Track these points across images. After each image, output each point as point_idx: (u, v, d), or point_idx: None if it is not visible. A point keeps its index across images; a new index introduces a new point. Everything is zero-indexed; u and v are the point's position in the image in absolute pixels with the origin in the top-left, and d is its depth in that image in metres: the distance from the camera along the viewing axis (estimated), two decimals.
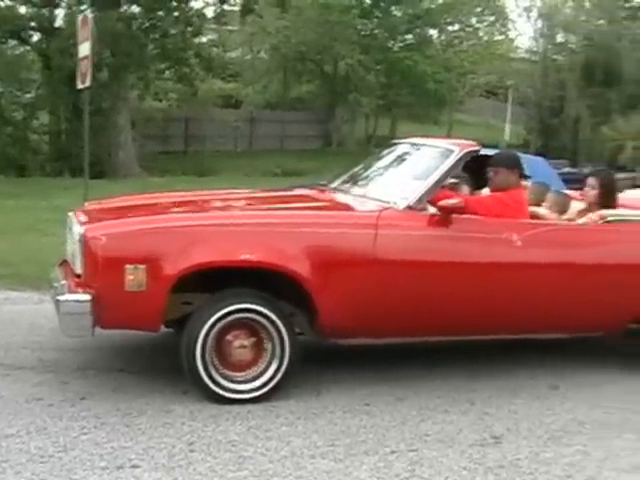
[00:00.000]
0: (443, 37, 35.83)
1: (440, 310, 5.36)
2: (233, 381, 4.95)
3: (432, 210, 5.37)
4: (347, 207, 5.81)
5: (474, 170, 6.20)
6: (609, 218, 5.95)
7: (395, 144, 6.81)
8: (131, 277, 4.70)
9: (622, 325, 5.96)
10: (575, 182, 12.98)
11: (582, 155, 34.04)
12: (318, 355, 5.88)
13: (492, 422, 4.88)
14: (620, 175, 24.11)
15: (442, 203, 5.27)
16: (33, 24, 24.29)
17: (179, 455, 4.18)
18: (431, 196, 5.40)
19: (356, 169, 6.66)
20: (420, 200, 5.36)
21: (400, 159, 6.43)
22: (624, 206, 6.41)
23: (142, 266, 4.72)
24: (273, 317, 4.93)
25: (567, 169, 20.67)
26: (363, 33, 31.07)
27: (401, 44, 32.79)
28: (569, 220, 6.26)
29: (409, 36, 33.33)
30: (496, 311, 5.52)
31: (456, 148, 5.65)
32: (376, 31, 31.68)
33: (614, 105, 35.60)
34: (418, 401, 5.16)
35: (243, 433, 4.50)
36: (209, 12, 26.99)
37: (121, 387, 5.14)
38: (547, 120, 36.77)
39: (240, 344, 4.95)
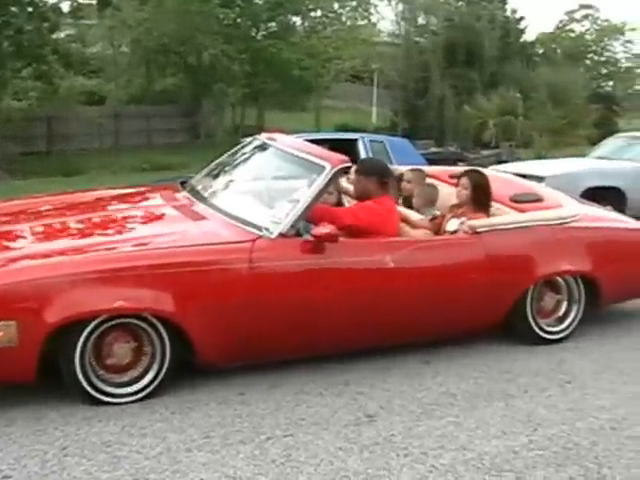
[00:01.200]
0: (306, 24, 35.96)
1: (315, 335, 5.43)
2: (112, 384, 4.88)
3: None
4: (214, 235, 5.34)
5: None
6: (479, 230, 5.99)
7: (259, 143, 6.52)
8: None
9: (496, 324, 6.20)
10: (440, 162, 13.36)
11: (448, 134, 34.82)
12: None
13: (366, 401, 4.97)
14: (485, 152, 24.89)
15: (316, 232, 5.18)
16: None
17: (52, 461, 4.10)
18: (303, 219, 5.35)
19: (217, 169, 6.56)
20: (293, 226, 5.26)
21: (267, 166, 6.26)
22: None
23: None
24: (160, 327, 4.88)
25: (433, 149, 21.15)
26: (225, 22, 30.88)
27: (264, 32, 32.76)
28: (441, 215, 6.51)
29: (272, 24, 33.32)
30: (374, 328, 5.60)
31: (327, 165, 5.46)
32: (238, 20, 31.54)
33: (476, 84, 36.49)
34: (292, 386, 5.20)
35: (117, 433, 4.44)
36: (65, 7, 26.36)
37: None
38: (412, 101, 37.44)
39: (120, 347, 4.87)
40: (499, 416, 4.77)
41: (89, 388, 4.77)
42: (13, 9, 22.96)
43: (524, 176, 12.13)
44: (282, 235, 5.20)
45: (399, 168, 7.56)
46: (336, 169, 5.45)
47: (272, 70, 30.61)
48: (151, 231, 5.56)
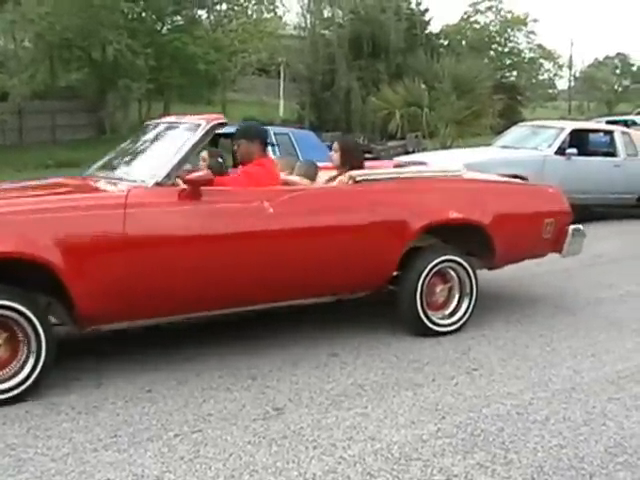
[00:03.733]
0: (212, 17, 35.75)
1: (198, 285, 5.32)
2: None
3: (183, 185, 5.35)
4: (96, 189, 5.61)
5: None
6: (358, 178, 6.04)
7: (149, 125, 6.72)
8: None
9: (382, 283, 6.20)
10: None
11: (355, 126, 35.03)
12: (97, 346, 5.81)
13: (274, 395, 4.97)
14: (392, 143, 25.11)
15: (189, 177, 5.24)
16: None
17: None
18: (180, 171, 5.41)
19: (112, 154, 6.53)
20: (169, 176, 5.32)
21: (153, 139, 6.33)
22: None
23: None
24: (28, 314, 4.76)
25: None
26: (130, 17, 30.50)
27: (169, 26, 32.46)
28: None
29: (177, 18, 33.04)
30: (255, 280, 5.53)
31: (203, 122, 5.64)
32: (143, 14, 31.18)
33: (382, 75, 36.76)
34: (200, 382, 5.18)
35: (22, 435, 4.36)
36: None
37: None
38: (319, 94, 37.56)
39: None
40: (407, 405, 4.82)
41: None
42: None
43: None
44: (158, 184, 5.28)
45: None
46: (211, 124, 5.60)
47: (177, 64, 30.39)
48: (47, 192, 5.77)
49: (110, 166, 6.16)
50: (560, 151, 13.12)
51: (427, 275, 6.11)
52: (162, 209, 5.22)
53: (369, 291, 6.34)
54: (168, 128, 6.23)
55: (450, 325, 6.31)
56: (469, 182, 6.74)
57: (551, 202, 7.10)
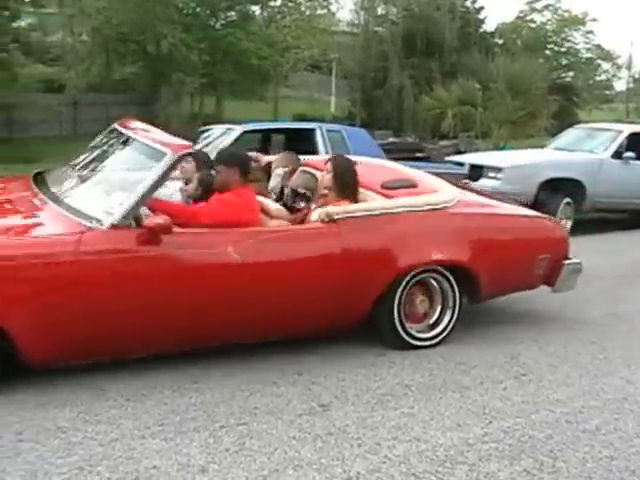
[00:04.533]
0: (265, 13, 35.77)
1: (158, 333, 5.13)
2: None
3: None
4: (41, 228, 5.15)
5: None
6: (336, 217, 5.62)
7: (115, 131, 6.15)
8: None
9: (359, 318, 5.83)
10: (398, 152, 13.38)
11: (406, 125, 34.87)
12: None
13: (320, 391, 4.98)
14: (443, 143, 24.96)
15: (147, 222, 4.90)
16: None
17: (7, 446, 4.07)
18: (139, 209, 5.01)
19: (74, 160, 6.17)
20: (126, 216, 4.93)
21: (116, 155, 5.92)
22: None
23: None
24: None
25: (391, 139, 21.16)
26: (185, 12, 30.63)
27: (223, 22, 32.53)
28: (307, 206, 6.25)
29: (231, 13, 33.08)
30: (220, 326, 5.30)
31: (168, 151, 5.19)
32: (198, 9, 31.29)
33: (435, 74, 36.55)
34: (246, 376, 5.20)
35: (72, 419, 4.43)
36: None
37: None
38: (371, 91, 37.41)
39: None
40: (454, 408, 4.79)
41: None
42: None
43: (482, 167, 12.30)
44: (114, 226, 4.89)
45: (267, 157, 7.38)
46: (177, 156, 5.19)
47: (230, 59, 30.41)
48: None
49: (61, 182, 5.74)
50: (617, 155, 12.88)
51: (404, 288, 5.81)
52: (118, 256, 4.88)
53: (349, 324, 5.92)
54: (132, 146, 5.73)
55: (430, 339, 5.97)
56: (457, 217, 6.11)
57: (547, 236, 6.67)
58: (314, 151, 10.53)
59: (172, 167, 5.20)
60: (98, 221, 4.92)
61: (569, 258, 6.64)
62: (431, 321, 6.03)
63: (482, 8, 45.07)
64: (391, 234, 5.76)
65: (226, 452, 4.07)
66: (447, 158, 14.70)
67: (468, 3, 44.17)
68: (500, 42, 49.60)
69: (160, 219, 4.92)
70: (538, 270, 6.46)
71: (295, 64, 35.48)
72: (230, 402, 4.74)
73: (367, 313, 5.76)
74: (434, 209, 5.99)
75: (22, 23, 25.74)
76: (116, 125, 6.18)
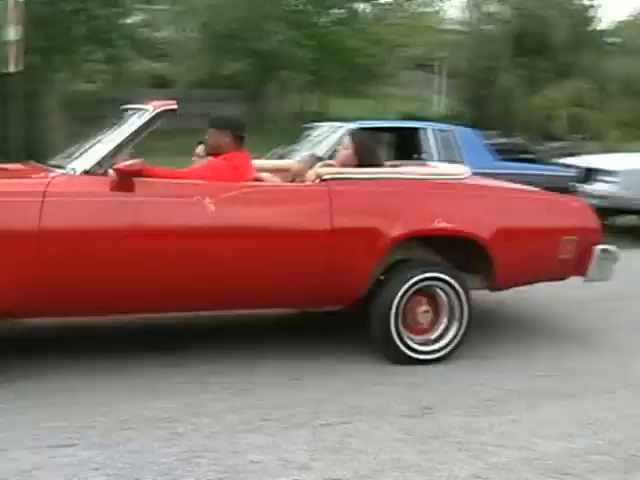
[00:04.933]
0: (373, 10, 35.65)
1: (121, 285, 4.87)
2: None
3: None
4: (24, 175, 5.36)
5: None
6: (325, 177, 5.31)
7: (123, 110, 5.93)
8: None
9: (350, 299, 5.46)
10: (505, 153, 13.16)
11: (515, 125, 34.35)
12: (250, 330, 5.91)
13: (422, 393, 4.92)
14: (553, 144, 24.47)
15: (117, 166, 4.76)
16: None
17: (114, 433, 4.14)
18: (116, 159, 4.87)
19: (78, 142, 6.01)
20: (100, 164, 4.87)
21: (112, 126, 5.65)
22: None
23: None
24: None
25: (498, 140, 20.85)
26: (293, 9, 30.81)
27: (331, 19, 32.57)
28: None
29: (339, 10, 33.10)
30: (190, 284, 4.97)
31: (150, 108, 5.17)
32: (308, 7, 31.43)
33: (546, 74, 35.91)
34: (348, 374, 5.18)
35: (178, 410, 4.48)
36: None
37: (52, 367, 5.09)
38: (478, 91, 36.97)
39: None
40: (561, 416, 4.66)
41: None
42: None
43: (594, 170, 11.98)
44: (87, 172, 4.86)
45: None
46: (157, 110, 5.13)
47: (336, 57, 30.42)
48: None
49: (68, 154, 5.62)
50: None
51: (404, 294, 5.33)
52: (86, 199, 4.78)
53: (339, 306, 5.61)
54: (129, 114, 5.54)
55: (432, 352, 5.50)
56: (470, 188, 5.79)
57: (573, 217, 6.12)
58: (424, 151, 10.39)
59: (151, 121, 5.10)
60: (73, 169, 4.95)
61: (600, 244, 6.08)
62: (433, 336, 5.53)
63: (596, 6, 44.00)
64: (389, 198, 5.37)
65: (328, 450, 4.05)
66: (556, 160, 14.39)
67: (583, 1, 43.20)
68: (616, 41, 48.34)
69: (131, 161, 4.80)
70: (563, 254, 5.90)
71: (402, 62, 35.31)
72: (332, 400, 4.72)
73: (358, 291, 5.33)
74: (444, 179, 5.73)
75: (131, 20, 26.22)
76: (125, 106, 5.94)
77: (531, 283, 6.18)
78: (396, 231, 5.25)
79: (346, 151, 5.78)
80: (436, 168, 6.12)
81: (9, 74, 12.18)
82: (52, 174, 4.98)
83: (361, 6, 34.19)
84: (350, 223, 5.21)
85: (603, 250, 6.03)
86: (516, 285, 6.06)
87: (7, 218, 4.62)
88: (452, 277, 5.46)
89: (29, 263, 4.62)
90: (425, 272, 5.39)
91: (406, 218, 5.32)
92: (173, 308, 5.31)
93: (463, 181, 5.79)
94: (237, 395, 4.75)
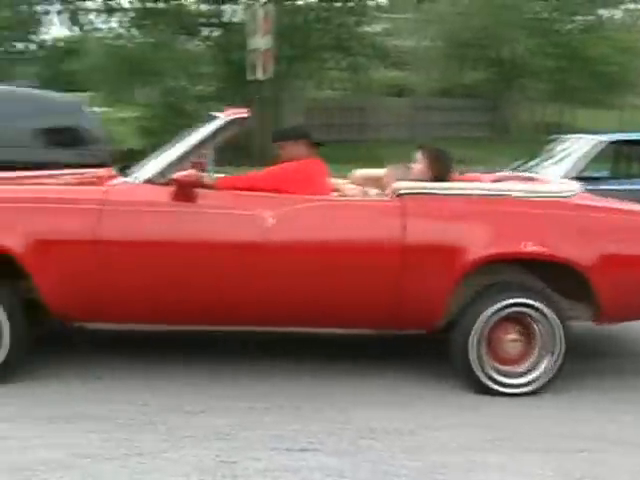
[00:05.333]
0: (623, 17, 34.38)
1: (179, 295, 4.84)
2: None
3: None
4: (92, 183, 5.42)
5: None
6: (402, 191, 4.94)
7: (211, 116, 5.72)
8: None
9: (427, 324, 5.07)
10: None
11: None
12: None
13: None
14: None
15: (175, 176, 4.75)
16: (204, 20, 24.95)
17: (355, 441, 4.21)
18: (179, 168, 4.86)
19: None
20: (162, 173, 4.90)
21: (190, 133, 5.54)
22: None
23: None
24: None
25: None
26: (535, 17, 30.24)
27: (574, 26, 31.69)
28: None
29: (585, 17, 32.14)
30: (244, 298, 4.85)
31: (221, 116, 5.15)
32: (553, 14, 30.76)
33: None
34: (590, 402, 5.02)
35: (416, 420, 4.52)
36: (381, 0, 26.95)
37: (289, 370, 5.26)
38: None
39: None
40: None
41: None
42: (336, 4, 23.76)
43: None
44: (149, 181, 4.91)
45: None
46: (226, 119, 5.10)
47: (580, 65, 29.56)
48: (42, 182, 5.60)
49: (146, 163, 5.56)
50: None
51: (487, 321, 4.88)
52: (144, 209, 4.82)
53: (417, 330, 5.27)
54: (210, 122, 5.38)
55: (518, 387, 4.98)
56: (576, 208, 5.11)
57: None
58: None
59: (220, 130, 5.10)
60: (136, 178, 5.00)
61: None
62: (522, 368, 5.00)
63: None
64: (468, 216, 4.93)
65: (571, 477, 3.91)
66: None
67: None
68: None
69: (188, 172, 4.76)
70: None
71: None
72: (571, 424, 4.59)
73: (437, 318, 4.96)
74: (539, 196, 5.10)
75: (372, 28, 26.66)
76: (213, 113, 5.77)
77: None
78: (474, 254, 4.82)
79: (419, 166, 5.41)
80: (538, 185, 5.53)
81: (258, 81, 12.71)
82: (114, 182, 5.09)
83: (608, 13, 33.00)
84: (423, 242, 4.84)
85: None
86: (626, 319, 5.44)
87: (66, 224, 4.75)
88: (543, 304, 4.89)
89: (85, 269, 4.72)
90: (510, 298, 4.89)
91: (488, 239, 4.89)
92: (228, 322, 5.14)
93: (568, 200, 5.16)
94: (468, 410, 4.73)
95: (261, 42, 12.12)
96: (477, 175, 6.14)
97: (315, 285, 4.81)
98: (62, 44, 37.58)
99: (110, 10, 23.67)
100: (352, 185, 5.64)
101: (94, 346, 5.61)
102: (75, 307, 4.83)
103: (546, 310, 4.87)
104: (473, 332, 4.85)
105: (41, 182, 5.58)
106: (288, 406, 4.66)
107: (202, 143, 5.08)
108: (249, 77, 12.39)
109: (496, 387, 4.93)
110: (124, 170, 5.43)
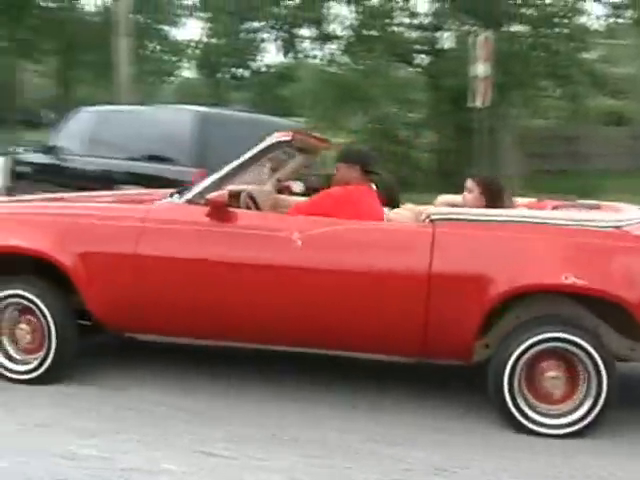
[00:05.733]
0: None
1: (212, 312, 5.01)
2: None
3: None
4: (140, 202, 5.68)
5: None
6: (433, 217, 4.82)
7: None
8: None
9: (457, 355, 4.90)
10: None
11: None
12: None
13: None
14: None
15: (209, 196, 4.95)
16: (418, 47, 25.01)
17: None
18: (220, 187, 5.06)
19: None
20: (202, 193, 5.08)
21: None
22: None
23: None
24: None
25: None
26: None
27: None
28: None
29: None
30: (272, 316, 4.93)
31: (267, 138, 5.22)
32: None
33: None
34: None
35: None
36: (598, 26, 26.13)
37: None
38: None
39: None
40: None
41: None
42: (547, 30, 23.28)
43: None
44: (189, 201, 5.13)
45: None
46: (269, 142, 5.19)
47: None
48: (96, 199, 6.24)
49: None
50: None
51: (521, 355, 4.58)
52: (182, 227, 5.06)
53: (448, 360, 5.12)
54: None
55: (555, 428, 4.61)
56: (622, 239, 4.68)
57: None
58: None
59: (263, 151, 5.23)
60: (178, 197, 5.30)
61: None
62: (564, 408, 4.64)
63: None
64: (502, 244, 4.72)
65: None
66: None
67: None
68: None
69: (220, 192, 4.96)
70: None
71: None
72: None
73: (467, 350, 4.78)
74: (595, 228, 4.71)
75: (591, 55, 25.97)
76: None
77: None
78: (507, 285, 4.58)
79: (471, 194, 5.33)
80: (586, 213, 5.11)
81: (475, 109, 12.62)
82: (158, 202, 5.35)
83: None
84: (450, 271, 4.68)
85: None
86: None
87: (110, 240, 5.11)
88: (584, 339, 4.53)
89: (124, 283, 5.04)
90: (544, 332, 4.58)
91: (521, 270, 4.61)
92: (254, 340, 5.23)
93: (618, 230, 4.72)
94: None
95: (481, 69, 11.98)
96: (544, 202, 5.84)
97: (338, 308, 4.83)
98: (275, 70, 38.83)
99: (325, 37, 24.11)
100: (406, 212, 5.56)
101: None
102: (123, 318, 5.20)
103: (586, 345, 4.53)
104: (507, 367, 4.61)
105: (95, 200, 6.14)
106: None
107: (243, 165, 5.25)
108: (469, 104, 12.26)
109: (531, 426, 4.63)
110: (182, 191, 5.60)
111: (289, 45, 25.01)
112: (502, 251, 4.70)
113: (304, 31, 24.79)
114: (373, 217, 5.14)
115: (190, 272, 4.98)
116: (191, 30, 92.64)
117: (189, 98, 31.25)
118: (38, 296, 5.02)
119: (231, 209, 5.03)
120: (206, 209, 5.00)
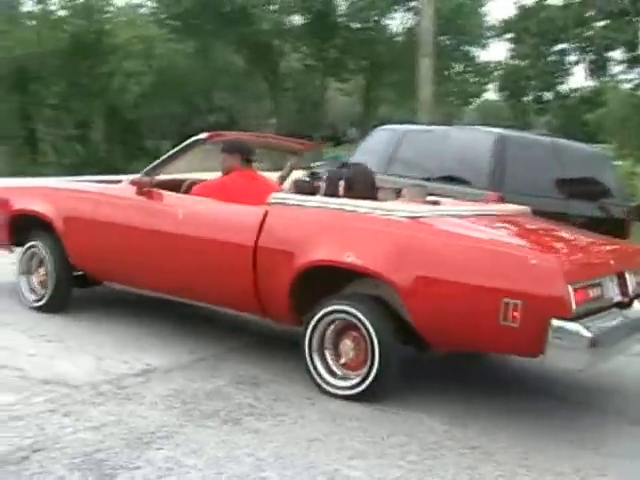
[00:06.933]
0: None
1: (134, 265, 6.34)
2: None
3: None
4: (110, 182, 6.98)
5: None
6: (272, 200, 5.61)
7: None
8: None
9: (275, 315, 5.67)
10: None
11: None
12: None
13: None
14: None
15: (133, 178, 6.38)
16: None
17: None
18: (157, 172, 6.33)
19: None
20: (145, 175, 6.30)
21: None
22: None
23: None
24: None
25: None
26: None
27: None
28: None
29: None
30: (164, 271, 6.15)
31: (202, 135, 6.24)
32: None
33: None
34: None
35: None
36: None
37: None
38: None
39: None
40: None
41: None
42: None
43: None
44: (132, 182, 6.36)
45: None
46: (192, 140, 6.22)
47: None
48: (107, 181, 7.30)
49: None
50: None
51: (317, 324, 5.22)
52: (119, 202, 6.41)
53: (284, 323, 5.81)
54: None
55: (339, 389, 5.09)
56: (410, 228, 5.03)
57: (523, 276, 4.57)
58: None
59: (186, 147, 6.25)
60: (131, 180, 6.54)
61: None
62: (351, 374, 5.10)
63: None
64: (307, 228, 5.41)
65: None
66: None
67: None
68: None
69: (139, 176, 6.35)
70: (506, 321, 4.53)
71: None
72: None
73: (284, 310, 5.48)
74: (386, 215, 5.13)
75: None
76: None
77: (467, 350, 5.43)
78: (302, 259, 5.24)
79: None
80: (391, 204, 5.59)
81: None
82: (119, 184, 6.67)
83: None
84: (269, 245, 5.45)
85: (560, 327, 4.42)
86: (450, 348, 5.21)
87: (79, 210, 6.64)
88: (358, 309, 5.06)
89: (87, 239, 6.57)
90: (331, 306, 5.20)
91: (316, 248, 5.23)
92: (153, 287, 6.40)
93: (411, 220, 5.08)
94: None
95: None
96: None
97: (201, 268, 5.88)
98: (579, 94, 37.82)
99: (636, 60, 23.10)
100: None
101: None
102: (89, 269, 6.81)
103: (361, 316, 5.03)
104: (307, 332, 5.26)
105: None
106: None
107: (171, 156, 6.36)
108: None
109: (323, 384, 5.17)
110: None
111: (598, 68, 24.23)
112: (305, 232, 5.39)
113: (616, 53, 23.94)
114: (249, 197, 5.89)
115: (120, 233, 6.33)
116: (494, 52, 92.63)
117: (490, 120, 31.17)
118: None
119: (155, 190, 6.24)
120: (134, 188, 6.30)
